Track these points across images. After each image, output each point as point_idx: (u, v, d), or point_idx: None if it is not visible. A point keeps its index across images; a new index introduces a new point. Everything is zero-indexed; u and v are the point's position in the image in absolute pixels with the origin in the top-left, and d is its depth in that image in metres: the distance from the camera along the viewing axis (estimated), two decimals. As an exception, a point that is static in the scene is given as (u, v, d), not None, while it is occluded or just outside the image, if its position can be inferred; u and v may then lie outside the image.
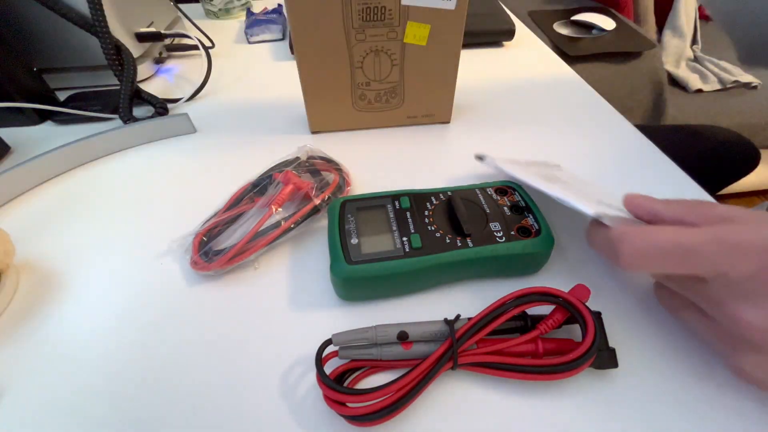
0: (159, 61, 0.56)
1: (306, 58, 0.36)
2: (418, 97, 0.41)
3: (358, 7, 0.33)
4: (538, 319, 0.23)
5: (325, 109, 0.41)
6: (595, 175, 0.36)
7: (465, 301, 0.27)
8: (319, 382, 0.21)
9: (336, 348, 0.23)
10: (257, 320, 0.26)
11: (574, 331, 0.24)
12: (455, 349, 0.21)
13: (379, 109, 0.41)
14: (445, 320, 0.23)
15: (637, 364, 0.23)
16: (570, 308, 0.23)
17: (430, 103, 0.42)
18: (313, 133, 0.43)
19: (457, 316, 0.23)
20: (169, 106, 0.47)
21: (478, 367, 0.22)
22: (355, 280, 0.25)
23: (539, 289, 0.23)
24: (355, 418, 0.20)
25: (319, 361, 0.22)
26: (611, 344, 0.23)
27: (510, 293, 0.23)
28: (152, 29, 0.53)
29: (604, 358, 0.22)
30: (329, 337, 0.23)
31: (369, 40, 0.36)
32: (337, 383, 0.21)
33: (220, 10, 0.70)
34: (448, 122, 0.44)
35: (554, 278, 0.28)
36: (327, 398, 0.21)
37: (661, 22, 1.37)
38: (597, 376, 0.23)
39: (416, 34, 0.36)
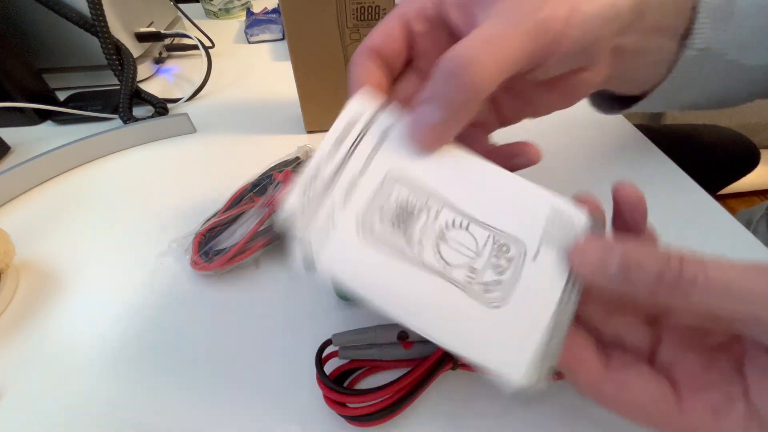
0: (159, 61, 0.56)
1: (301, 57, 0.36)
2: None
3: (353, 6, 0.34)
4: None
5: (321, 109, 0.41)
6: (594, 176, 0.36)
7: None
8: (319, 382, 0.21)
9: (336, 348, 0.23)
10: (257, 320, 0.26)
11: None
12: None
13: (374, 108, 0.41)
14: None
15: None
16: None
17: None
18: (309, 132, 0.43)
19: None
20: (169, 106, 0.47)
21: None
22: (355, 280, 0.25)
23: None
24: (355, 419, 0.20)
25: (319, 361, 0.22)
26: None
27: None
28: (152, 29, 0.53)
29: None
30: (329, 337, 0.23)
31: (364, 39, 0.36)
32: (337, 383, 0.21)
33: (220, 10, 0.70)
34: None
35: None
36: (327, 398, 0.21)
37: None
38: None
39: (411, 33, 0.36)
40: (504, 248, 0.16)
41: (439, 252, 0.16)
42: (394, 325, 0.23)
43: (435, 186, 0.17)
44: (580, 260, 0.15)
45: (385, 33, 0.20)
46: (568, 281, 0.15)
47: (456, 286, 0.15)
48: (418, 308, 0.15)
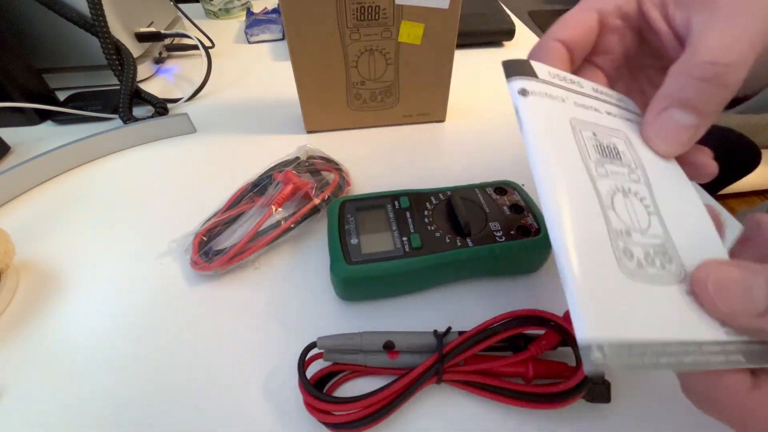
0: (159, 61, 0.56)
1: (301, 57, 0.37)
2: (413, 95, 0.41)
3: (353, 6, 0.34)
4: (532, 338, 0.22)
5: (321, 109, 0.41)
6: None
7: (464, 300, 0.27)
8: (300, 387, 0.21)
9: (321, 350, 0.22)
10: (257, 320, 0.26)
11: (570, 352, 0.23)
12: (440, 366, 0.21)
13: (374, 108, 0.41)
14: (435, 333, 0.22)
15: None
16: (565, 335, 0.21)
17: (425, 102, 0.42)
18: (309, 132, 0.43)
19: (448, 329, 0.22)
20: (169, 106, 0.47)
21: (463, 385, 0.21)
22: (354, 280, 0.25)
23: (533, 312, 0.21)
24: (332, 426, 0.20)
25: (302, 365, 0.21)
26: (610, 376, 0.21)
27: (501, 314, 0.21)
28: (152, 29, 0.53)
29: (597, 391, 0.21)
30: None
31: (363, 39, 0.36)
32: (320, 385, 0.20)
33: (220, 10, 0.70)
34: (443, 121, 0.44)
35: (554, 277, 0.28)
36: (306, 404, 0.20)
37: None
38: (587, 407, 0.21)
39: (410, 33, 0.36)
40: (668, 258, 0.15)
41: (614, 198, 0.15)
42: (382, 333, 0.23)
43: (649, 169, 0.17)
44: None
45: (582, 26, 0.19)
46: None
47: (604, 221, 0.14)
48: (558, 189, 0.14)
